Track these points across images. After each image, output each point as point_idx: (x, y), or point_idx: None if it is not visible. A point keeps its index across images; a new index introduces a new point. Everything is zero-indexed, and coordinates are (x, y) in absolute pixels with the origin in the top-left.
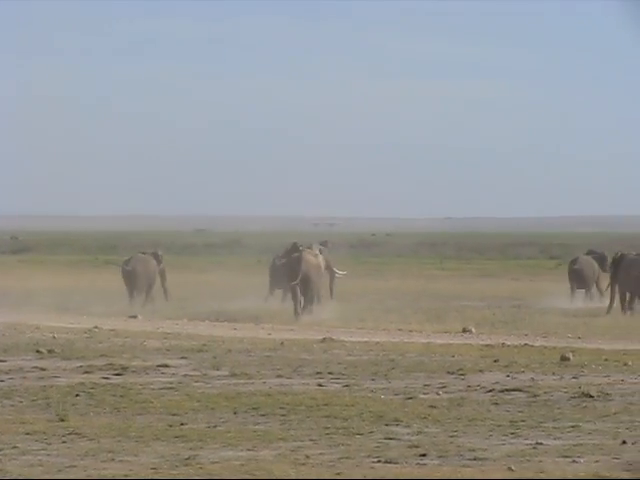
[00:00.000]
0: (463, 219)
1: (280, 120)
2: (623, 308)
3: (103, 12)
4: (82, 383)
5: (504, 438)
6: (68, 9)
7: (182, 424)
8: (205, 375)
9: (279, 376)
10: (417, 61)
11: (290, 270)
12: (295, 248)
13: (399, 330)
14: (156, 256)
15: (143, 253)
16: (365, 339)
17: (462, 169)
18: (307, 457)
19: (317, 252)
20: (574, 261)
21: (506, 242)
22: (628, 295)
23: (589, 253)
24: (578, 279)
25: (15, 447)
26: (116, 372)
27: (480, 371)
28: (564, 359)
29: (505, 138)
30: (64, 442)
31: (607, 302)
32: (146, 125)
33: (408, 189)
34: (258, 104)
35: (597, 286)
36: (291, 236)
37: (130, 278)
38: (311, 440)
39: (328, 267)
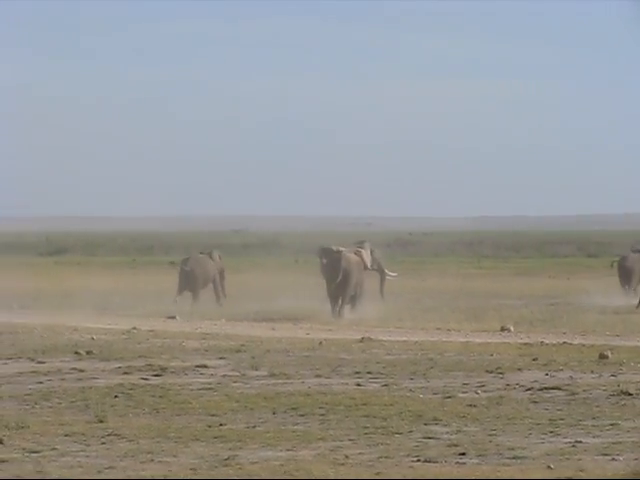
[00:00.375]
0: (499, 217)
1: (316, 120)
2: None
3: (118, 14)
4: (121, 384)
5: (543, 437)
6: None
7: (221, 424)
8: (244, 375)
9: (318, 376)
10: (450, 60)
11: (331, 270)
12: (359, 245)
13: (437, 329)
14: (213, 256)
15: (201, 253)
16: (404, 338)
17: (498, 168)
18: (346, 457)
19: (369, 252)
20: (624, 258)
21: (543, 240)
22: None
23: (635, 251)
24: (627, 276)
25: (54, 449)
26: (155, 373)
27: (519, 370)
28: (603, 357)
29: (541, 137)
30: (103, 443)
31: None
32: (178, 125)
33: (444, 188)
34: (292, 104)
35: None
36: (328, 236)
37: (188, 278)
38: (350, 440)
39: (379, 268)
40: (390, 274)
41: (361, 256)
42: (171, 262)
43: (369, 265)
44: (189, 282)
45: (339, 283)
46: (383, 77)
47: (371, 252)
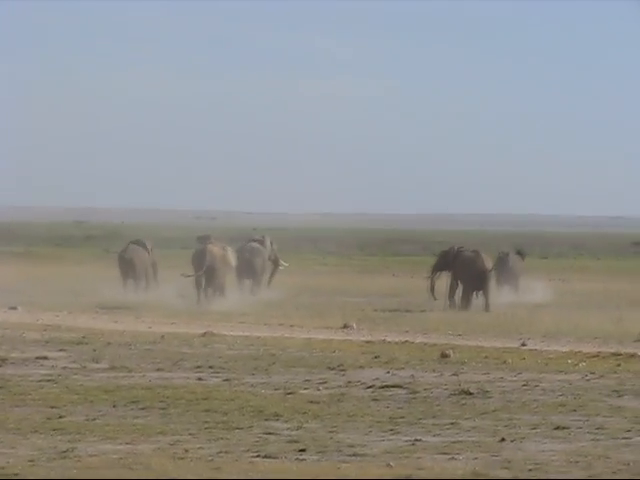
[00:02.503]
0: (344, 215)
1: (165, 114)
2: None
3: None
4: None
5: (383, 434)
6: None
7: (60, 417)
8: (84, 368)
9: (159, 369)
10: (292, 57)
11: (196, 261)
12: (203, 240)
13: (280, 325)
14: (145, 246)
15: (133, 243)
16: (246, 333)
17: (341, 165)
18: (186, 451)
19: (268, 244)
20: (503, 258)
21: (387, 238)
22: (462, 289)
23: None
24: (507, 276)
25: None
26: None
27: (360, 367)
28: (444, 356)
29: (390, 134)
30: None
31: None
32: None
33: (289, 184)
34: (129, 97)
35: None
36: (172, 229)
37: (128, 266)
38: (190, 434)
39: (275, 259)
40: (283, 264)
41: (226, 251)
42: (107, 250)
43: (234, 263)
44: (130, 270)
45: (205, 275)
46: (231, 70)
47: (270, 244)
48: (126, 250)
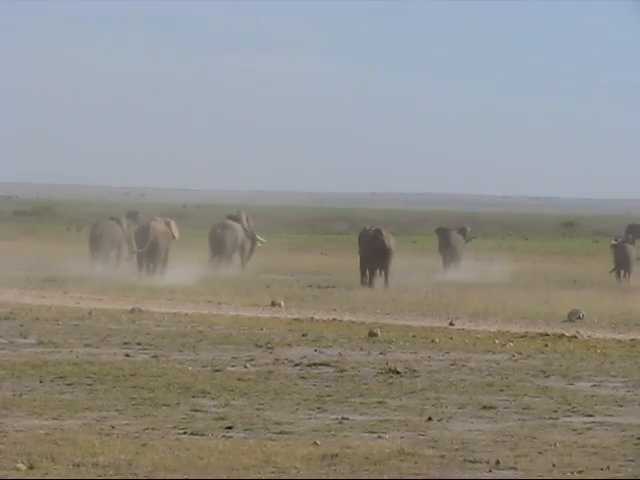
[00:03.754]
0: (273, 193)
1: (102, 92)
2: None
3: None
4: None
5: (310, 412)
6: None
7: None
8: (12, 343)
9: (86, 345)
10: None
11: (139, 237)
12: (132, 216)
13: (208, 302)
14: (120, 222)
15: (111, 219)
16: (174, 310)
17: (273, 142)
18: (112, 427)
19: (244, 220)
20: (445, 234)
21: (316, 217)
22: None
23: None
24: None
25: None
26: None
27: (288, 345)
28: (372, 335)
29: (318, 114)
30: None
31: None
32: None
33: (220, 161)
34: (61, 73)
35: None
36: (101, 205)
37: (97, 241)
38: (117, 410)
39: (252, 236)
40: (261, 239)
41: (169, 226)
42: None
43: (177, 236)
44: (97, 245)
45: (147, 251)
46: (163, 47)
47: (246, 219)
48: (97, 226)
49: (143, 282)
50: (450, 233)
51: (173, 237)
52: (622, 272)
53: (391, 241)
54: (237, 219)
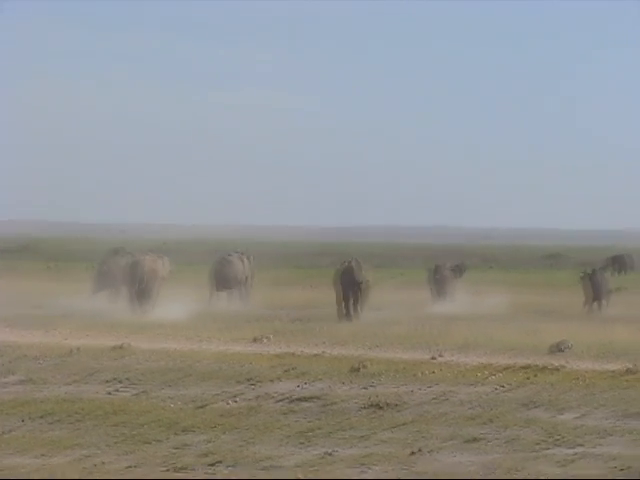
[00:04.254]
0: (260, 227)
1: (69, 125)
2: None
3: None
4: None
5: (295, 447)
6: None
7: None
8: None
9: (72, 382)
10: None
11: (129, 272)
12: (116, 252)
13: (193, 338)
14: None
15: (116, 253)
16: (160, 346)
17: (260, 176)
18: (97, 465)
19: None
20: (436, 270)
21: (303, 251)
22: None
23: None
24: (441, 287)
25: None
26: None
27: (272, 380)
28: (356, 369)
29: (310, 148)
30: None
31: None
32: None
33: (204, 195)
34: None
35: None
36: (81, 243)
37: (105, 277)
38: (103, 448)
39: (252, 274)
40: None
41: (159, 262)
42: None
43: (168, 272)
44: (108, 280)
45: (138, 287)
46: (143, 81)
47: (249, 259)
48: (105, 261)
49: (132, 318)
50: (439, 268)
51: (164, 273)
52: (596, 303)
53: (362, 273)
54: (241, 255)
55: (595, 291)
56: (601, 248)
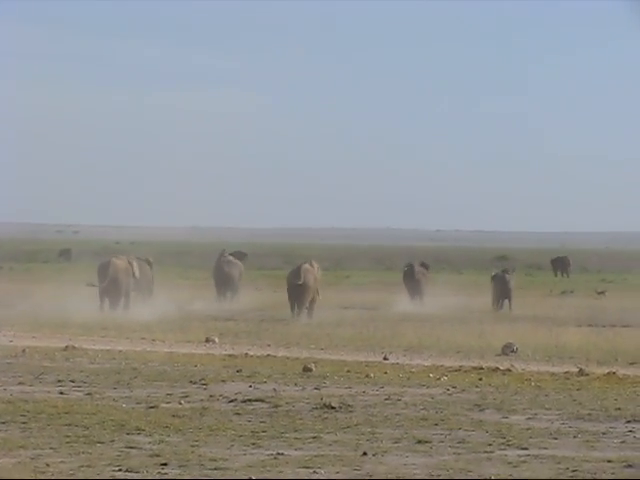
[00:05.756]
0: (208, 228)
1: (34, 124)
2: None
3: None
4: None
5: (245, 448)
6: None
7: None
8: None
9: (20, 383)
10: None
11: (100, 273)
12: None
13: (142, 339)
14: (149, 262)
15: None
16: (108, 347)
17: (208, 178)
18: (47, 465)
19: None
20: (410, 269)
21: (249, 252)
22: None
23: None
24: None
25: None
26: None
27: (222, 381)
28: (306, 370)
29: (256, 150)
30: None
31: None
32: None
33: (154, 197)
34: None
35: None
36: (34, 243)
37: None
38: (51, 448)
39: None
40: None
41: (131, 264)
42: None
43: (137, 274)
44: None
45: (108, 287)
46: (99, 82)
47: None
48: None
49: (80, 318)
50: (414, 267)
51: (134, 275)
52: (502, 301)
53: (308, 275)
54: (239, 256)
55: (502, 291)
56: (550, 250)
